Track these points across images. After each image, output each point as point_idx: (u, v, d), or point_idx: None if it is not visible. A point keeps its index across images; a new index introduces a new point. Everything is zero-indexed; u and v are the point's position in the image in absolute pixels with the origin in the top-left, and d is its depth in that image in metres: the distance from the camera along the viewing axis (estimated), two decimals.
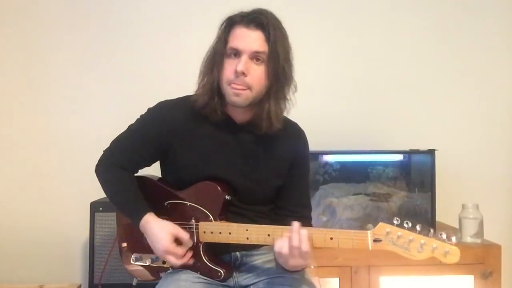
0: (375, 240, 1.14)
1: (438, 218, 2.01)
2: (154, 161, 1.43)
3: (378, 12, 2.36)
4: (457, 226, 1.95)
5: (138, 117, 1.41)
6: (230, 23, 1.28)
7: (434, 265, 1.82)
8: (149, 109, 1.40)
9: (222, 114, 1.31)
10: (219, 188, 1.32)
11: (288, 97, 1.33)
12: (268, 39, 1.25)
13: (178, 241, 1.29)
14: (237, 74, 1.23)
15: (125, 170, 1.39)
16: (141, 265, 1.42)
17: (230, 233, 1.28)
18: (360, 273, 1.82)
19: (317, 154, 1.96)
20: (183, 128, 1.34)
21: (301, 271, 1.29)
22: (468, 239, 1.88)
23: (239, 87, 1.25)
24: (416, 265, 1.84)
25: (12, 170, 2.30)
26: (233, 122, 1.35)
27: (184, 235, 1.29)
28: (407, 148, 2.05)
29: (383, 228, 1.14)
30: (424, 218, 1.97)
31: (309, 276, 1.38)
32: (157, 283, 1.36)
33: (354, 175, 1.97)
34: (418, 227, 1.12)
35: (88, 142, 2.30)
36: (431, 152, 1.96)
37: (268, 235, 1.25)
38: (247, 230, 1.27)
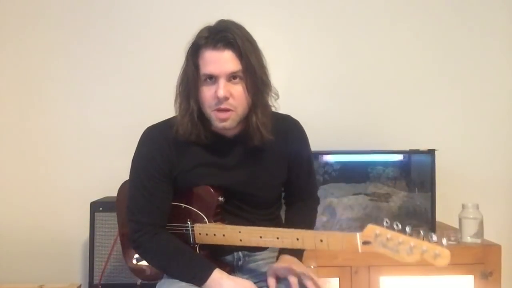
0: (365, 242, 1.13)
1: (438, 218, 2.01)
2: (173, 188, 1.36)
3: (378, 12, 2.36)
4: (457, 226, 1.95)
5: (130, 170, 1.37)
6: (196, 48, 1.24)
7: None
8: (137, 148, 1.36)
9: (206, 138, 1.30)
10: (212, 190, 1.32)
11: (270, 104, 1.32)
12: (240, 55, 1.21)
13: None
14: (219, 100, 1.21)
15: (162, 231, 1.32)
16: (143, 264, 1.43)
17: (224, 235, 1.28)
18: (360, 273, 1.82)
19: (317, 154, 1.95)
20: (173, 156, 1.32)
21: None
22: (468, 239, 1.88)
23: (224, 113, 1.23)
24: (416, 265, 1.83)
25: (12, 170, 2.30)
26: (223, 137, 1.34)
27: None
28: (407, 148, 2.05)
29: (372, 230, 1.12)
30: (424, 218, 1.97)
31: None
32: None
33: (354, 175, 1.97)
34: (407, 229, 1.09)
35: (89, 142, 2.30)
36: (431, 152, 1.96)
37: (260, 237, 1.24)
38: (240, 232, 1.27)
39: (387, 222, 1.11)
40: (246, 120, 1.30)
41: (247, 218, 1.36)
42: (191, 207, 1.34)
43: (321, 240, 1.18)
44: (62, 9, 2.31)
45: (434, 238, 1.06)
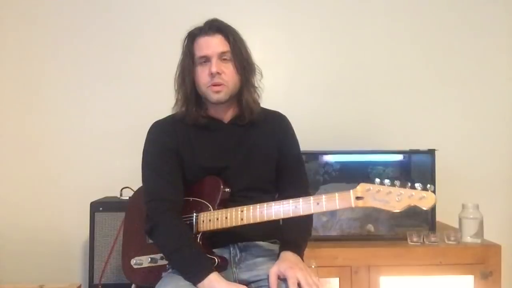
0: (358, 198, 1.21)
1: (438, 218, 2.01)
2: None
3: (378, 12, 2.36)
4: (457, 226, 1.95)
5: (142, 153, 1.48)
6: (192, 37, 1.45)
7: (434, 265, 1.83)
8: (146, 138, 1.49)
9: (204, 118, 1.46)
10: (220, 181, 1.41)
11: (256, 85, 1.49)
12: (228, 39, 1.42)
13: None
14: (213, 75, 1.39)
15: (179, 218, 1.38)
16: (142, 268, 1.44)
17: (226, 218, 1.34)
18: (360, 273, 1.82)
19: (317, 154, 1.95)
20: (179, 138, 1.45)
21: None
22: (468, 239, 1.88)
23: (218, 86, 1.40)
24: (416, 265, 1.84)
25: (12, 170, 2.30)
26: (221, 122, 1.49)
27: None
28: (407, 148, 2.05)
29: (364, 186, 1.22)
30: (424, 218, 1.97)
31: None
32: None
33: (354, 175, 1.97)
34: (397, 183, 1.18)
35: (89, 143, 2.30)
36: (431, 152, 1.96)
37: (261, 211, 1.31)
38: (241, 211, 1.33)
39: (379, 180, 1.20)
40: (237, 101, 1.46)
41: (247, 204, 1.38)
42: (198, 199, 1.41)
43: (318, 203, 1.26)
44: (62, 10, 2.31)
45: (420, 186, 1.16)
